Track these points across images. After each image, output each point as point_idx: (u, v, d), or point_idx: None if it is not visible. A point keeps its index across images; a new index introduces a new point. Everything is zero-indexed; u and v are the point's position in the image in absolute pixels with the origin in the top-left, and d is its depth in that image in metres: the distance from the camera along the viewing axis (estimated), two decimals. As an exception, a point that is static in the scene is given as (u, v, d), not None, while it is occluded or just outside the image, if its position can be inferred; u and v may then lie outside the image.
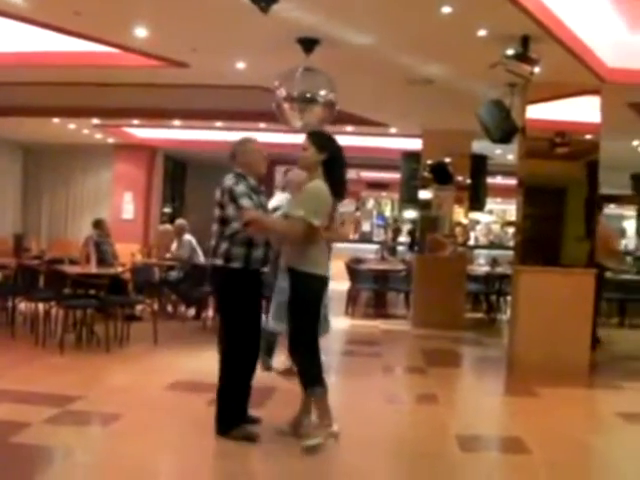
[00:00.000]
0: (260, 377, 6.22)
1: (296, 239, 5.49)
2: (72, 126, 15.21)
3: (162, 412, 6.40)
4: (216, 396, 5.72)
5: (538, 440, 5.96)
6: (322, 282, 5.67)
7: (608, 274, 13.31)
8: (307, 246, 5.52)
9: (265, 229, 5.65)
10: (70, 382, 7.33)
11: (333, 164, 5.62)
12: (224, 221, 5.66)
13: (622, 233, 23.78)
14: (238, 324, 5.69)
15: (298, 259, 5.57)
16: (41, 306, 9.47)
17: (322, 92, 7.70)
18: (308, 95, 7.68)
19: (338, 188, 5.63)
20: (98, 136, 16.68)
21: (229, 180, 5.72)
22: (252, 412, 5.88)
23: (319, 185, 5.53)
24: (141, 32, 7.64)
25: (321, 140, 5.68)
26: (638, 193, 17.62)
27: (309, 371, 5.64)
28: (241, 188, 5.66)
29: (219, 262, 5.67)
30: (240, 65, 8.91)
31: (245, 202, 5.59)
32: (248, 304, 5.76)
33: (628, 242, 23.03)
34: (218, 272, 5.75)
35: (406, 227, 21.13)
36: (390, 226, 24.37)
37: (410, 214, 18.75)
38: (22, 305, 10.27)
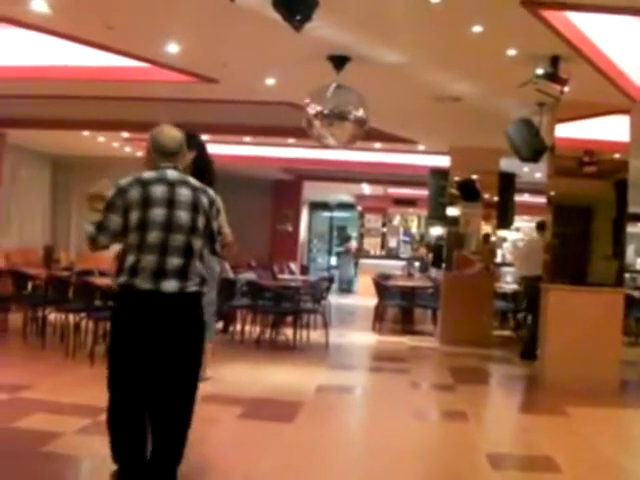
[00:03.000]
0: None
1: None
2: (102, 139, 15.36)
3: (194, 423, 6.40)
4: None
5: (569, 459, 5.92)
6: None
7: (636, 294, 13.26)
8: None
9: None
10: (100, 393, 7.28)
11: (202, 160, 5.10)
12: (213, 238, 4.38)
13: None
14: None
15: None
16: (71, 317, 9.55)
17: (353, 109, 7.67)
18: (339, 112, 7.65)
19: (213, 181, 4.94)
20: (127, 149, 16.80)
21: (207, 189, 4.40)
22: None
23: None
24: (173, 48, 7.70)
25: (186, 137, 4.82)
26: (665, 212, 17.47)
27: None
28: None
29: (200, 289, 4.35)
30: (270, 81, 8.98)
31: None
32: None
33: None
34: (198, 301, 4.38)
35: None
36: (420, 243, 24.25)
37: (437, 231, 18.75)
38: (52, 316, 10.31)
